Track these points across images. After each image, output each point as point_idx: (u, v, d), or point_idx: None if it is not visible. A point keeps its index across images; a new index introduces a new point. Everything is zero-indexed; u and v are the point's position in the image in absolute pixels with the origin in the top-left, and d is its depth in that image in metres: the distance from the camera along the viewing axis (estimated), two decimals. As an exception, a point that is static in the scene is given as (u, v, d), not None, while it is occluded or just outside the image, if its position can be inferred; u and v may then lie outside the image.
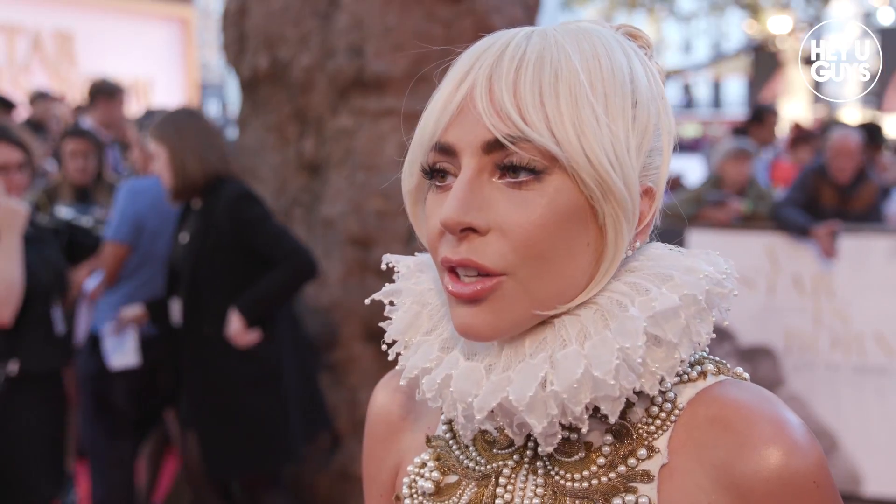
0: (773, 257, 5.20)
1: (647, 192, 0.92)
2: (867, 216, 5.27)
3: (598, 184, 0.85)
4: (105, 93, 6.26)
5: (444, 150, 0.88)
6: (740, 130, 8.37)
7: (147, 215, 4.07)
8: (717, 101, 31.81)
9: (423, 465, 1.02)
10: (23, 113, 8.02)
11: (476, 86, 0.86)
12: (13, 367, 3.16)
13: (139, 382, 4.12)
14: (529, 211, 0.85)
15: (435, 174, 0.90)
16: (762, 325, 5.15)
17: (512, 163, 0.85)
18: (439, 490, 0.99)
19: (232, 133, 8.68)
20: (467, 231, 0.86)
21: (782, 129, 10.43)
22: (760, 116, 7.93)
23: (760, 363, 5.15)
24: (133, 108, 10.76)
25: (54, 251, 3.46)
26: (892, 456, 4.87)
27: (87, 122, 6.52)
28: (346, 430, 3.92)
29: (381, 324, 1.02)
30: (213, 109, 20.96)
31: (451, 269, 0.88)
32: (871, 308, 4.99)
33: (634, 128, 0.88)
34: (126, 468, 4.07)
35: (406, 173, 0.96)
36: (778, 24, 17.84)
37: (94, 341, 3.99)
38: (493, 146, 0.85)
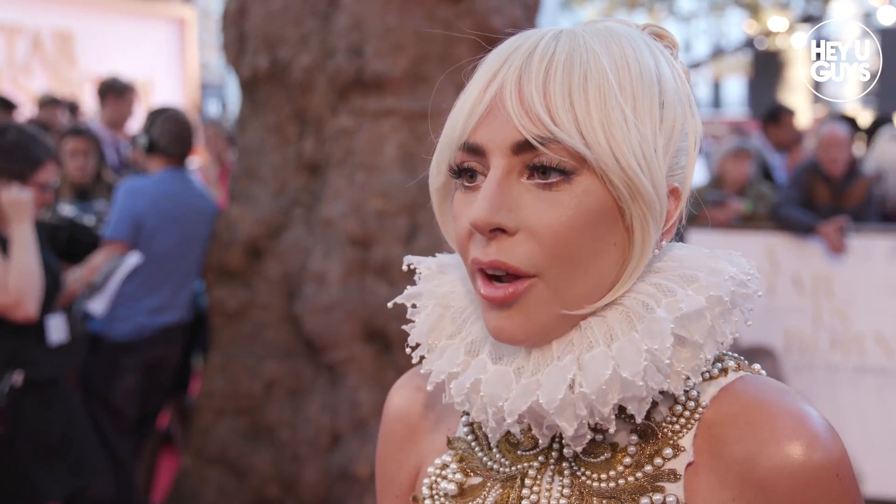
0: (772, 257, 5.20)
1: (673, 193, 0.93)
2: (860, 212, 5.27)
3: (627, 185, 0.85)
4: (114, 91, 6.28)
5: (473, 150, 0.89)
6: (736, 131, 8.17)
7: (146, 214, 4.07)
8: (716, 102, 31.80)
9: (445, 466, 1.02)
10: (25, 113, 8.02)
11: (505, 86, 0.87)
12: (17, 377, 3.17)
13: (139, 382, 4.12)
14: (559, 212, 0.85)
15: (463, 174, 0.91)
16: (762, 326, 5.15)
17: (542, 163, 0.85)
18: (462, 491, 1.00)
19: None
20: (496, 231, 0.86)
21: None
22: (777, 116, 7.44)
23: (760, 363, 5.13)
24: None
25: (49, 254, 3.46)
26: (892, 456, 4.87)
27: (95, 123, 6.54)
28: (346, 430, 3.92)
29: (404, 327, 1.02)
30: (213, 109, 20.95)
31: (483, 272, 0.89)
32: (871, 308, 4.99)
33: (662, 129, 0.89)
34: (126, 468, 4.07)
35: (433, 172, 0.96)
36: (777, 24, 17.82)
37: (94, 341, 3.99)
38: (523, 147, 0.85)
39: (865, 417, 4.91)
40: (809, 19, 15.68)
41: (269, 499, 4.01)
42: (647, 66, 0.89)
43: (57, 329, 3.36)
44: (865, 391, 4.93)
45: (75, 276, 3.76)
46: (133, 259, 3.88)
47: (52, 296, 3.38)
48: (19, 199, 3.19)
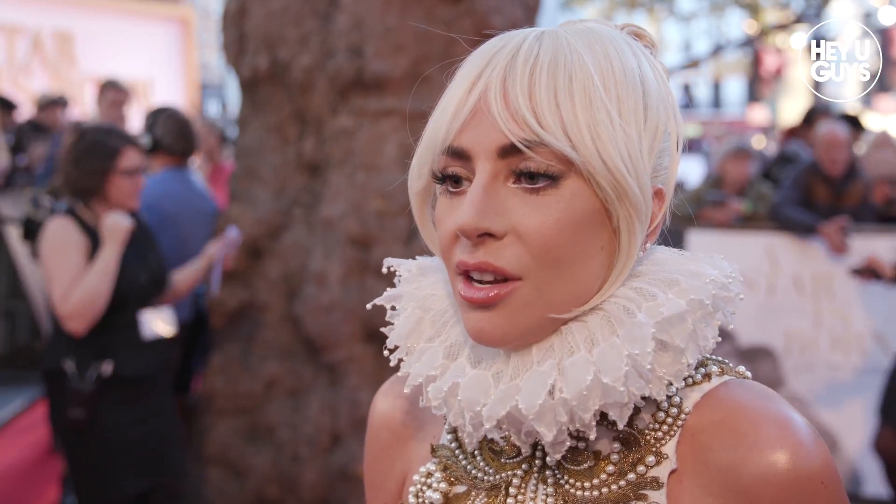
0: (772, 258, 5.20)
1: (657, 194, 0.92)
2: (859, 212, 5.27)
3: (614, 187, 0.85)
4: (108, 92, 6.25)
5: (458, 154, 0.87)
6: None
7: (146, 213, 4.07)
8: (716, 102, 31.81)
9: (430, 475, 1.02)
10: (24, 114, 8.02)
11: (490, 89, 0.85)
12: (107, 367, 3.32)
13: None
14: (546, 215, 0.85)
15: (447, 179, 0.90)
16: (762, 326, 5.15)
17: (529, 169, 0.85)
18: (447, 500, 0.99)
19: (232, 133, 8.70)
20: (484, 236, 0.86)
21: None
22: (810, 119, 7.34)
23: (760, 363, 5.15)
24: (133, 108, 10.76)
25: (155, 252, 3.63)
26: (892, 456, 4.87)
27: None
28: (346, 430, 3.92)
29: (382, 329, 1.01)
30: (213, 110, 20.96)
31: (466, 274, 0.88)
32: (871, 308, 4.99)
33: (646, 129, 0.88)
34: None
35: (414, 175, 0.95)
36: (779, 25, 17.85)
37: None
38: (509, 151, 0.84)
39: (865, 417, 4.91)
40: (799, 20, 15.67)
41: (270, 499, 4.01)
42: (630, 67, 0.88)
43: (150, 325, 3.47)
44: (865, 391, 4.93)
45: (195, 268, 3.84)
46: (232, 233, 3.92)
47: (150, 294, 3.51)
48: (118, 225, 3.34)
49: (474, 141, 0.86)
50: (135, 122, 7.21)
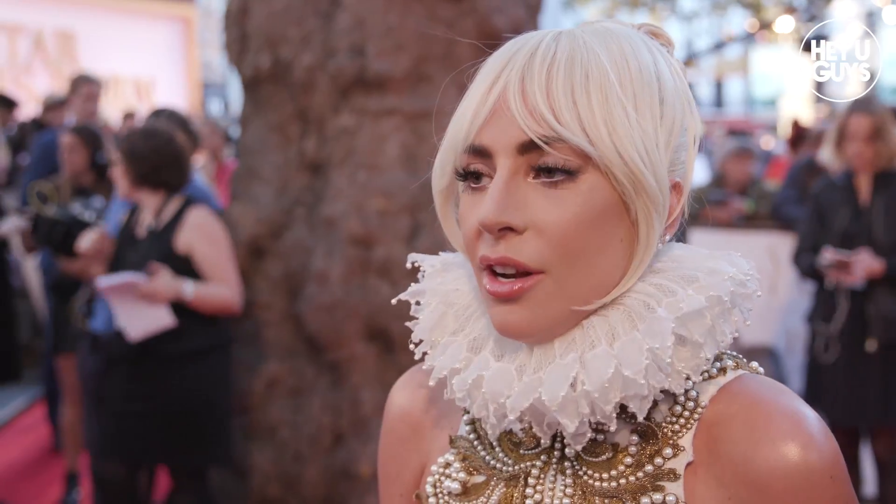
0: (774, 257, 5.20)
1: (675, 187, 0.94)
2: None
3: (631, 180, 0.87)
4: (78, 86, 6.17)
5: (479, 151, 0.90)
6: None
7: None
8: (718, 101, 31.76)
9: (448, 465, 1.03)
10: (27, 112, 8.03)
11: (508, 87, 0.88)
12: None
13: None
14: (565, 209, 0.87)
15: (469, 176, 0.92)
16: (764, 325, 5.15)
17: (547, 164, 0.87)
18: (466, 490, 1.01)
19: (234, 132, 8.70)
20: (505, 230, 0.88)
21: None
22: None
23: (762, 363, 5.11)
24: (136, 106, 10.77)
25: (148, 252, 3.67)
26: (893, 456, 4.86)
27: (73, 119, 6.46)
28: (348, 429, 3.93)
29: (407, 323, 1.03)
30: (214, 109, 20.97)
31: (489, 269, 0.90)
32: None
33: (662, 124, 0.90)
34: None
35: (437, 174, 0.98)
36: (782, 25, 17.82)
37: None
38: (528, 147, 0.87)
39: (867, 417, 4.89)
40: (791, 10, 15.65)
41: (271, 498, 4.01)
42: (645, 64, 0.91)
43: (102, 319, 3.66)
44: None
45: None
46: (101, 284, 4.09)
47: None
48: (86, 241, 3.79)
49: (494, 138, 0.88)
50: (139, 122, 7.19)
